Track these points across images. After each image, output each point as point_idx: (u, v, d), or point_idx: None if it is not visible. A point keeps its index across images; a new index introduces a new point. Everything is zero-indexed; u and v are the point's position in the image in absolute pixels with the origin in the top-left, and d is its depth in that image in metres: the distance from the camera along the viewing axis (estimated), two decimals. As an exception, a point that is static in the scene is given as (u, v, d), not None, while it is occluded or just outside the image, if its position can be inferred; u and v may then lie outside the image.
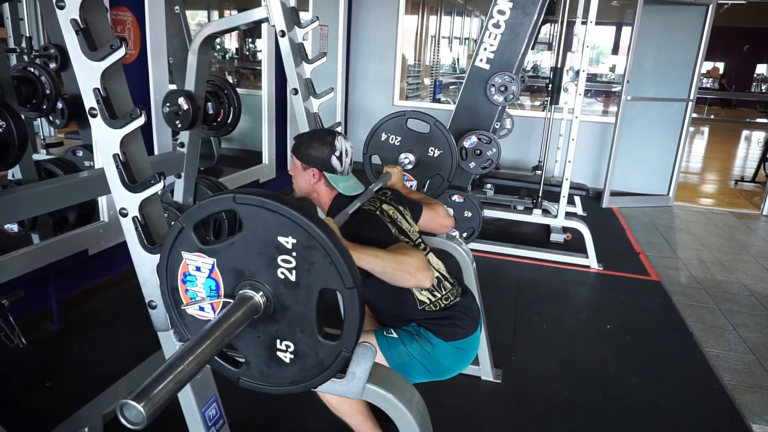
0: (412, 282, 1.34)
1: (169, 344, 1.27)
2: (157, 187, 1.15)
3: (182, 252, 1.04)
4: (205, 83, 2.27)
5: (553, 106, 3.75)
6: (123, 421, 0.72)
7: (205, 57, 2.19)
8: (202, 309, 1.09)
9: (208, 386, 1.38)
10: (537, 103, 6.46)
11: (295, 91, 2.11)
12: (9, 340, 1.57)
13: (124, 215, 1.18)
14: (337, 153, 1.62)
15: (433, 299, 1.57)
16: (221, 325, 0.92)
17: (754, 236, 4.63)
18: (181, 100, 2.14)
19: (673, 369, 2.42)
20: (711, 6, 4.81)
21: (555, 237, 4.04)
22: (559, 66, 3.58)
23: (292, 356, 1.05)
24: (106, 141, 1.14)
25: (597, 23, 3.42)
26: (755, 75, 18.61)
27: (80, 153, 2.93)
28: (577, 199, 4.81)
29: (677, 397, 2.20)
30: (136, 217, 1.18)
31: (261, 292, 0.99)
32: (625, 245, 4.12)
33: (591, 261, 3.56)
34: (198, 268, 1.05)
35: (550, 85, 3.59)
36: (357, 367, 1.14)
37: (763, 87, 18.69)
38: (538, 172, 5.27)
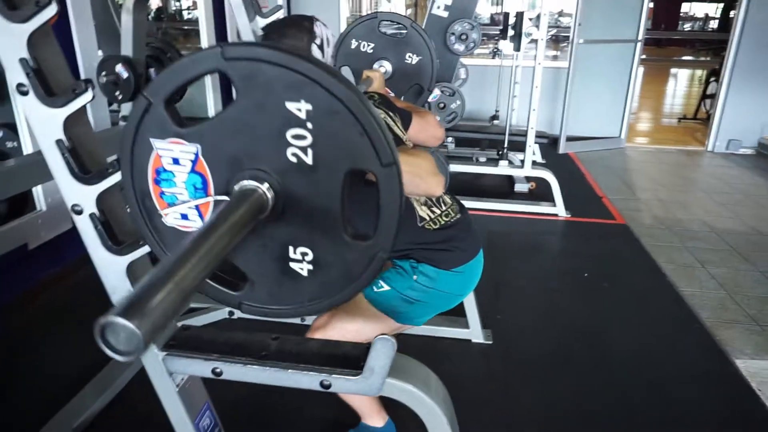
0: (422, 188, 1.16)
1: (151, 356, 1.10)
2: (118, 176, 0.95)
3: (152, 140, 0.77)
4: (145, 46, 1.99)
5: (516, 53, 3.63)
6: (107, 350, 0.49)
7: (141, 16, 1.91)
8: (185, 217, 0.83)
9: (198, 394, 1.23)
10: (485, 51, 6.33)
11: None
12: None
13: (78, 212, 0.98)
14: (318, 41, 1.37)
15: (433, 216, 1.40)
16: (221, 222, 0.67)
17: (703, 172, 4.79)
18: (120, 68, 1.86)
19: (653, 312, 2.45)
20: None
21: (519, 187, 4.01)
22: (520, 10, 3.43)
23: (310, 267, 0.82)
24: (43, 124, 0.92)
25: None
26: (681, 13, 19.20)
27: (0, 133, 2.57)
28: (536, 147, 4.78)
29: (662, 340, 2.24)
30: (94, 214, 0.98)
31: (266, 184, 0.75)
32: (587, 190, 4.16)
33: (559, 209, 3.55)
34: (176, 161, 0.78)
35: (512, 31, 3.46)
36: (376, 362, 1.01)
37: (686, 25, 19.35)
38: (496, 122, 5.22)
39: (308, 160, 0.73)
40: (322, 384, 1.04)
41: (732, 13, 15.28)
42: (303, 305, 0.86)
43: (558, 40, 7.83)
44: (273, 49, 0.69)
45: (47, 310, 2.35)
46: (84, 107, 0.94)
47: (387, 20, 2.08)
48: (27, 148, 2.29)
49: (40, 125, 0.92)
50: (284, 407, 1.79)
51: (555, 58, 7.51)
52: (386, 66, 2.08)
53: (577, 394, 1.90)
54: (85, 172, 0.95)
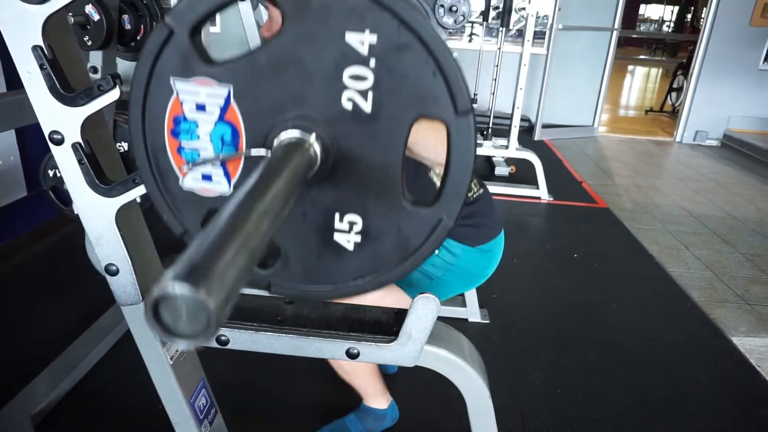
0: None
1: (140, 322, 0.93)
2: (112, 96, 0.77)
3: (172, 80, 0.62)
4: (118, -12, 1.77)
5: (503, 29, 3.53)
6: (163, 334, 0.33)
7: (114, -49, 1.69)
8: (207, 178, 0.67)
9: (194, 369, 1.06)
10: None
11: (243, -4, 1.70)
12: None
13: (58, 142, 0.80)
14: None
15: None
16: (273, 173, 0.50)
17: (675, 161, 4.87)
18: (90, 9, 1.64)
19: (646, 291, 2.42)
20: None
21: (500, 170, 3.95)
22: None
23: (358, 239, 0.68)
24: (18, 24, 0.74)
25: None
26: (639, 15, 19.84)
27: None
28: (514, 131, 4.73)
29: (658, 318, 2.20)
30: (78, 144, 0.80)
31: (314, 134, 0.60)
32: (565, 175, 4.14)
33: (542, 192, 3.51)
34: (201, 107, 0.63)
35: (500, 7, 3.36)
36: (415, 325, 0.88)
37: (642, 27, 20.05)
38: (474, 105, 5.14)
39: (366, 107, 0.60)
40: (348, 353, 0.90)
41: (688, 17, 15.89)
42: (346, 284, 0.72)
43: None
44: None
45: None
46: (65, 11, 0.76)
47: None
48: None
49: (13, 26, 0.73)
50: (275, 390, 1.64)
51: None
52: None
53: (581, 372, 1.83)
54: (68, 90, 0.77)
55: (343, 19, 0.56)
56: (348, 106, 0.60)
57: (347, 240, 0.68)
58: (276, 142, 0.60)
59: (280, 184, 0.49)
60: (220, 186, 0.67)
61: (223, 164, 0.66)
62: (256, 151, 0.62)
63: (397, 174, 0.63)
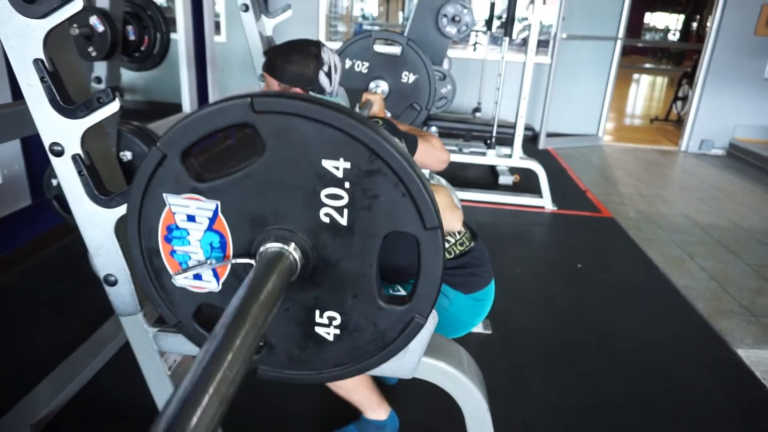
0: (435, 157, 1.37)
1: (138, 332, 0.93)
2: (111, 108, 0.78)
3: (165, 195, 0.70)
4: (123, 1, 1.80)
5: (506, 38, 3.54)
6: None
7: (119, -37, 1.71)
8: (198, 277, 0.76)
9: (192, 379, 1.06)
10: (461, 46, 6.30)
11: (245, 7, 1.72)
12: None
13: (58, 153, 0.81)
14: (326, 68, 1.31)
15: (447, 245, 1.32)
16: (253, 302, 0.58)
17: (680, 170, 4.85)
18: (95, 20, 1.66)
19: (650, 302, 2.40)
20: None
21: (504, 179, 3.94)
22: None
23: (337, 332, 0.77)
24: (20, 38, 0.75)
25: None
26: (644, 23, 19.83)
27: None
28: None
29: (663, 329, 2.18)
30: (78, 155, 0.81)
31: (293, 244, 0.68)
32: (569, 184, 4.13)
33: (546, 201, 3.50)
34: (191, 218, 0.72)
35: (504, 16, 3.37)
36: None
37: (647, 36, 20.04)
38: (478, 114, 5.16)
39: (343, 221, 0.68)
40: (346, 364, 0.90)
41: (693, 25, 15.88)
42: (328, 371, 0.80)
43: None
44: (309, 101, 0.63)
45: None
46: (66, 25, 0.77)
47: (381, 38, 2.01)
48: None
49: (14, 39, 0.74)
50: (274, 401, 1.64)
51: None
52: (383, 86, 2.06)
53: (584, 382, 1.82)
54: (68, 103, 0.78)
55: (319, 148, 0.64)
56: (326, 219, 0.68)
57: (327, 332, 0.76)
58: (261, 249, 0.68)
59: (257, 313, 0.56)
60: (209, 284, 0.76)
61: (213, 269, 0.74)
62: (242, 260, 0.71)
63: (372, 277, 0.71)
